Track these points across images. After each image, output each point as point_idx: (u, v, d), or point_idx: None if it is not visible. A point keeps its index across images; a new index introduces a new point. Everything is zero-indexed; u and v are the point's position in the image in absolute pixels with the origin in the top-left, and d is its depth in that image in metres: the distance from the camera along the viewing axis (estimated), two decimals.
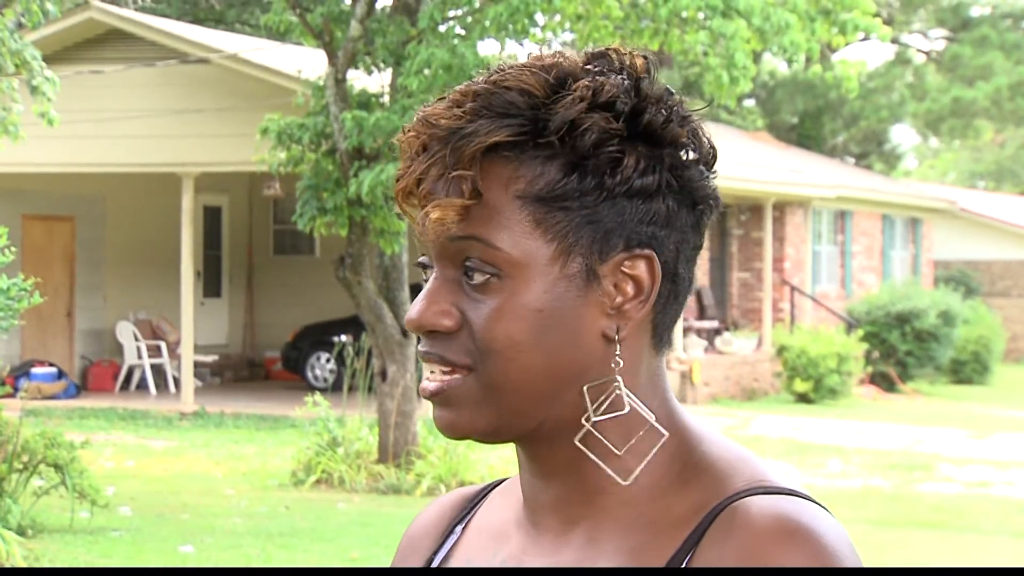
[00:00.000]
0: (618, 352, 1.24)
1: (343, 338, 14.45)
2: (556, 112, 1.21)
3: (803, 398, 20.80)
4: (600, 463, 1.24)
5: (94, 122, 17.23)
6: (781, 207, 23.25)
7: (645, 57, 1.26)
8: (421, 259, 1.27)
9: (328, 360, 19.61)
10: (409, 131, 1.24)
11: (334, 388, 18.22)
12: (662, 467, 1.24)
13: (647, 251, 1.23)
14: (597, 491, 1.25)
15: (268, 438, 15.41)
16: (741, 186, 20.84)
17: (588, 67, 1.25)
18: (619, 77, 1.24)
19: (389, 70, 12.10)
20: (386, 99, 12.05)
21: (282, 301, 21.99)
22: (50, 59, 13.07)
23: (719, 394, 20.45)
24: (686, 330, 20.52)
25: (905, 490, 12.80)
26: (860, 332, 22.20)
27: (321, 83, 12.17)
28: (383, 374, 12.04)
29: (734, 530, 1.18)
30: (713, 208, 1.28)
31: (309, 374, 19.90)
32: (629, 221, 1.23)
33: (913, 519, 11.21)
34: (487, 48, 11.67)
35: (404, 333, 11.98)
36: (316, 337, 19.86)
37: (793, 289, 23.41)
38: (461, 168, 1.21)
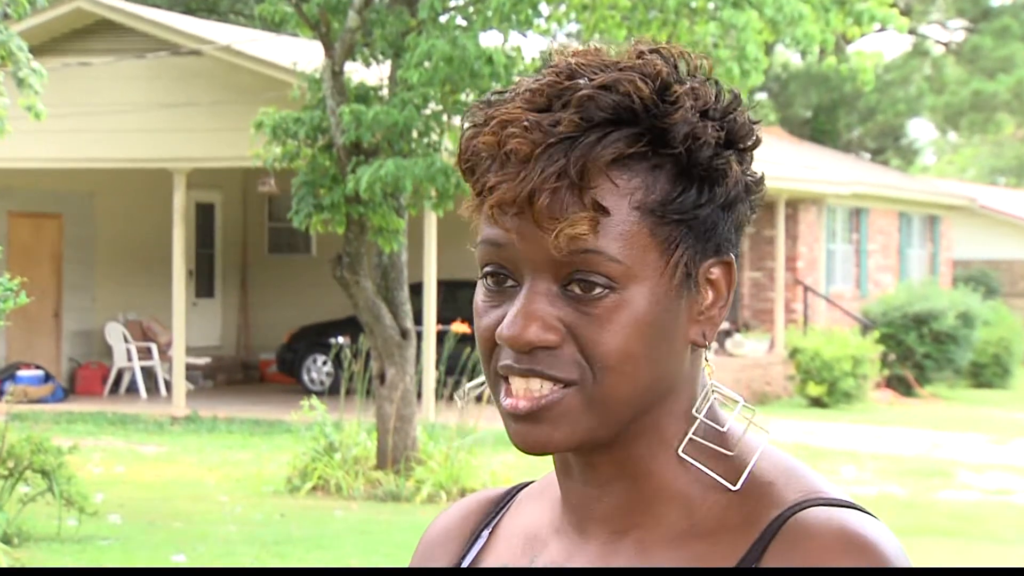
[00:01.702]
0: (707, 358, 1.28)
1: (340, 340, 14.45)
2: (676, 122, 1.22)
3: (817, 402, 20.80)
4: (705, 469, 1.26)
5: (82, 116, 17.24)
6: (794, 204, 23.25)
7: (707, 57, 1.28)
8: (488, 268, 1.25)
9: (325, 362, 19.61)
10: (509, 129, 1.21)
11: (331, 391, 18.22)
12: (721, 476, 1.27)
13: (730, 257, 1.26)
14: (656, 500, 1.26)
15: (263, 443, 15.41)
16: None
17: (667, 68, 1.25)
18: (702, 80, 1.26)
19: (388, 62, 12.10)
20: (385, 92, 12.05)
21: (277, 301, 22.00)
22: (37, 51, 13.05)
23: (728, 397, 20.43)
24: None
25: (922, 497, 12.79)
26: (876, 334, 22.19)
27: (318, 76, 12.17)
28: (382, 377, 12.04)
29: (798, 543, 1.20)
30: (757, 208, 1.31)
31: (305, 377, 19.91)
32: (724, 229, 1.26)
33: (930, 527, 11.21)
34: (490, 39, 11.67)
35: (403, 335, 11.98)
36: (312, 339, 19.86)
37: (806, 289, 23.40)
38: (586, 182, 1.20)
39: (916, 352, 23.19)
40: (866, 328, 22.73)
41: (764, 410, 20.05)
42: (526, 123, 1.21)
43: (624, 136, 1.21)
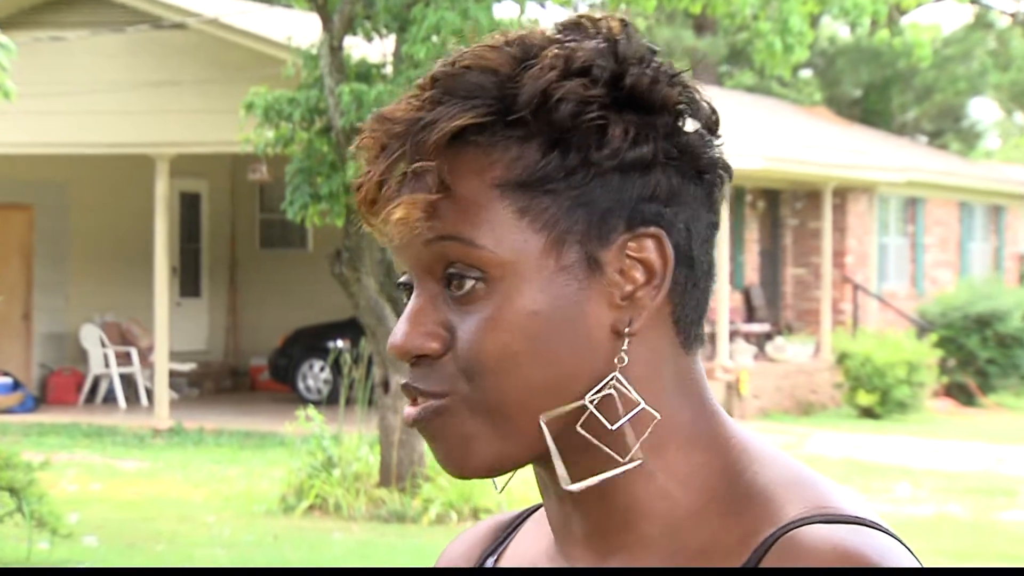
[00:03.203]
0: (624, 347, 1.23)
1: (339, 343, 14.47)
2: (522, 86, 1.21)
3: (868, 412, 20.77)
4: (558, 462, 1.23)
5: (55, 96, 17.28)
6: (842, 193, 23.22)
7: (622, 20, 1.26)
8: (402, 279, 1.27)
9: (322, 369, 19.63)
10: (364, 133, 1.25)
11: (329, 401, 18.24)
12: (708, 491, 1.24)
13: (653, 228, 1.23)
14: (637, 517, 1.25)
15: (254, 458, 15.44)
16: (796, 169, 20.81)
17: (558, 37, 1.25)
18: (593, 42, 1.24)
19: (392, 36, 12.11)
20: (388, 70, 12.07)
21: (270, 301, 22.04)
22: (5, 24, 13.12)
23: (770, 407, 20.43)
24: (732, 334, 20.52)
25: (984, 518, 12.77)
26: (934, 337, 22.15)
27: (314, 52, 12.18)
28: (385, 385, 12.06)
29: (786, 565, 1.18)
30: (724, 179, 1.27)
31: (301, 385, 19.94)
32: (627, 199, 1.22)
33: (993, 552, 11.19)
34: (504, 10, 11.67)
35: None
36: (309, 342, 19.88)
37: (856, 287, 23.37)
38: (424, 160, 1.21)
39: (978, 357, 23.14)
40: (923, 330, 22.69)
41: (809, 421, 20.04)
42: (382, 116, 1.24)
43: (465, 109, 1.21)
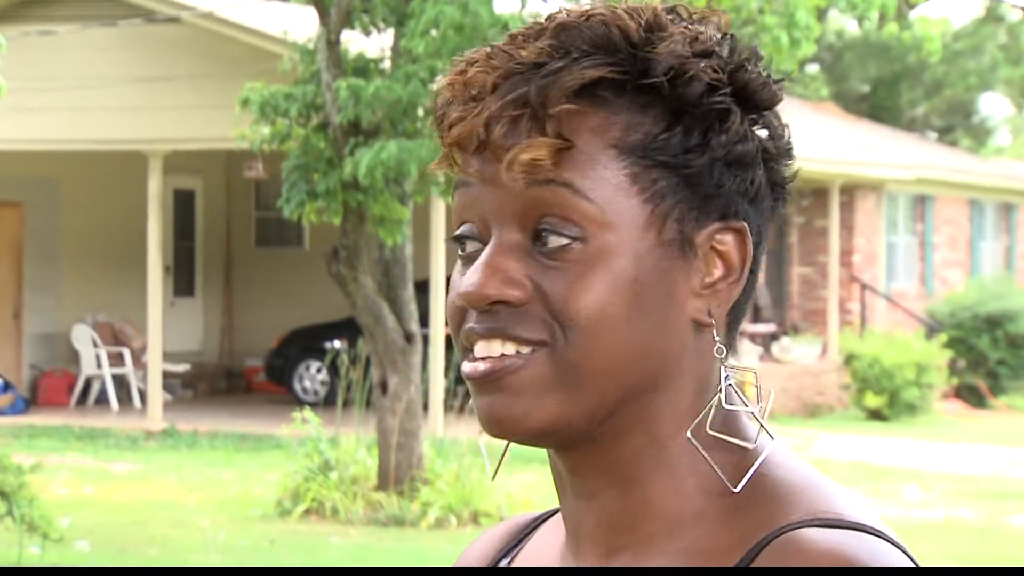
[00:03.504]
0: (717, 337, 1.25)
1: (337, 344, 14.48)
2: (659, 55, 1.22)
3: (876, 415, 20.77)
4: (714, 466, 1.25)
5: (46, 92, 17.29)
6: (850, 191, 23.22)
7: (726, 11, 1.30)
8: (461, 230, 1.26)
9: (319, 370, 19.64)
10: (475, 64, 1.24)
11: (326, 402, 18.25)
12: (718, 491, 1.25)
13: (741, 223, 1.25)
14: (644, 516, 1.26)
15: (249, 461, 15.45)
16: (802, 165, 20.80)
17: (671, 17, 1.27)
18: (711, 31, 1.27)
19: (391, 31, 12.11)
20: (387, 64, 12.07)
21: (266, 301, 22.05)
22: None
23: (776, 409, 20.44)
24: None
25: (995, 522, 12.77)
26: (943, 337, 22.15)
27: (311, 46, 12.19)
28: (383, 386, 12.06)
29: (776, 566, 1.19)
30: (787, 197, 1.30)
31: (297, 386, 19.94)
32: (727, 190, 1.25)
33: (1003, 557, 11.20)
34: (505, 5, 11.68)
35: (408, 338, 12.01)
36: (305, 343, 19.89)
37: (864, 287, 23.37)
38: (551, 111, 1.20)
39: (989, 358, 23.15)
40: (932, 331, 22.69)
41: (816, 423, 20.04)
42: (490, 54, 1.23)
43: (597, 63, 1.21)
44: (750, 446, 1.26)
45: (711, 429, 1.25)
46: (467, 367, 1.23)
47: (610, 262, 1.21)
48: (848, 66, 34.61)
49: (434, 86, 1.34)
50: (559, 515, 1.38)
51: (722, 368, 1.25)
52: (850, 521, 1.22)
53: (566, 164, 1.21)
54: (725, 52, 1.25)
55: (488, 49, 1.24)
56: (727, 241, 1.25)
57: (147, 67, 17.45)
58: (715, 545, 1.23)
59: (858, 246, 23.44)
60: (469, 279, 1.22)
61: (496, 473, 1.33)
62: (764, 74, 1.26)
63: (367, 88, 11.25)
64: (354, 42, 12.51)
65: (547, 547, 1.37)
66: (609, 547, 1.27)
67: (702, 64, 1.23)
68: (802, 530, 1.20)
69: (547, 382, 1.22)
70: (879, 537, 1.21)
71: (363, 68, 11.96)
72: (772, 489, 1.25)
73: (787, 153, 1.29)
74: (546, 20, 1.25)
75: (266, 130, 12.12)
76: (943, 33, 30.61)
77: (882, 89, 34.90)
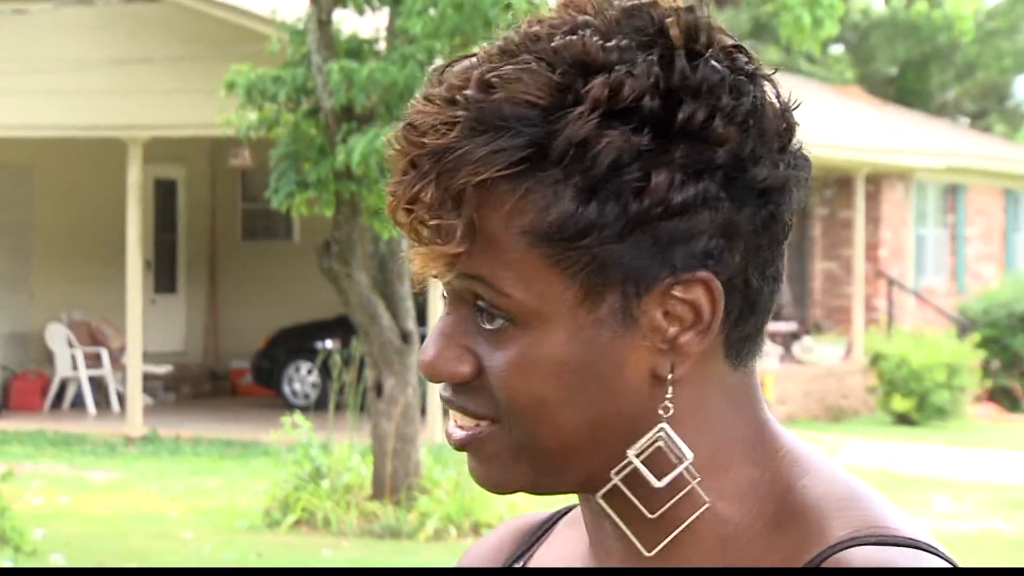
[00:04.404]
0: (669, 395, 1.25)
1: (328, 344, 14.50)
2: (560, 131, 1.22)
3: (904, 419, 20.78)
4: (622, 526, 1.27)
5: (17, 75, 17.30)
6: (876, 180, 23.22)
7: (690, 15, 1.25)
8: (442, 291, 1.30)
9: (310, 371, 19.65)
10: (395, 146, 1.27)
11: (317, 406, 18.27)
12: (754, 508, 1.27)
13: (701, 273, 1.24)
14: (681, 535, 1.27)
15: (235, 468, 15.46)
16: (825, 154, 20.81)
17: (611, 43, 1.24)
18: (648, 60, 1.23)
19: (386, 9, 12.11)
20: (382, 46, 12.08)
21: (252, 298, 22.06)
22: None
23: (798, 413, 20.44)
24: None
25: None
26: (976, 337, 22.15)
27: (301, 26, 12.19)
28: (378, 389, 12.07)
29: None
30: (793, 195, 1.28)
31: (286, 389, 19.95)
32: (672, 244, 1.23)
33: None
34: None
35: (404, 337, 12.02)
36: (295, 343, 19.90)
37: (891, 283, 23.38)
38: (454, 203, 1.23)
39: None
40: (964, 330, 22.69)
41: (839, 429, 20.04)
42: (410, 136, 1.25)
43: (495, 151, 1.22)
44: (649, 516, 1.27)
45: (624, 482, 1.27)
46: (448, 431, 1.30)
47: (541, 346, 1.23)
48: (874, 47, 34.60)
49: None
50: (575, 514, 1.40)
51: (663, 431, 1.25)
52: (902, 536, 1.23)
53: (481, 257, 1.23)
54: (658, 93, 1.22)
55: (408, 120, 1.26)
56: (690, 292, 1.24)
57: (126, 48, 17.45)
58: (758, 562, 1.25)
59: (885, 239, 23.44)
60: (426, 350, 1.27)
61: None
62: (707, 110, 1.22)
63: (361, 71, 11.26)
64: (347, 22, 12.51)
65: (566, 547, 1.38)
66: (641, 562, 1.29)
67: (614, 133, 1.21)
68: (857, 548, 1.21)
69: (511, 454, 1.27)
70: (933, 554, 1.23)
71: (356, 49, 11.97)
72: (815, 503, 1.26)
73: (776, 158, 1.25)
74: (468, 74, 1.25)
75: (253, 116, 12.12)
76: (976, 11, 30.59)
77: (911, 71, 34.88)
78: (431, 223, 1.23)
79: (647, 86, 1.22)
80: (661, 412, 1.25)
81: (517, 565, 1.42)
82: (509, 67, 1.24)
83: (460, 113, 1.23)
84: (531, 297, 1.23)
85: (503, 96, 1.22)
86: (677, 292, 1.24)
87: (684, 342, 1.25)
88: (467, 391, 1.26)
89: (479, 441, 1.27)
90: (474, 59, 1.27)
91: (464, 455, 1.30)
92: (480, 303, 1.24)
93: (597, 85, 1.22)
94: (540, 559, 1.41)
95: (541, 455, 1.26)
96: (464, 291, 1.25)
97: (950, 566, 1.23)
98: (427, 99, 1.26)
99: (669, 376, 1.24)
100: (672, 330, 1.24)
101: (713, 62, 1.24)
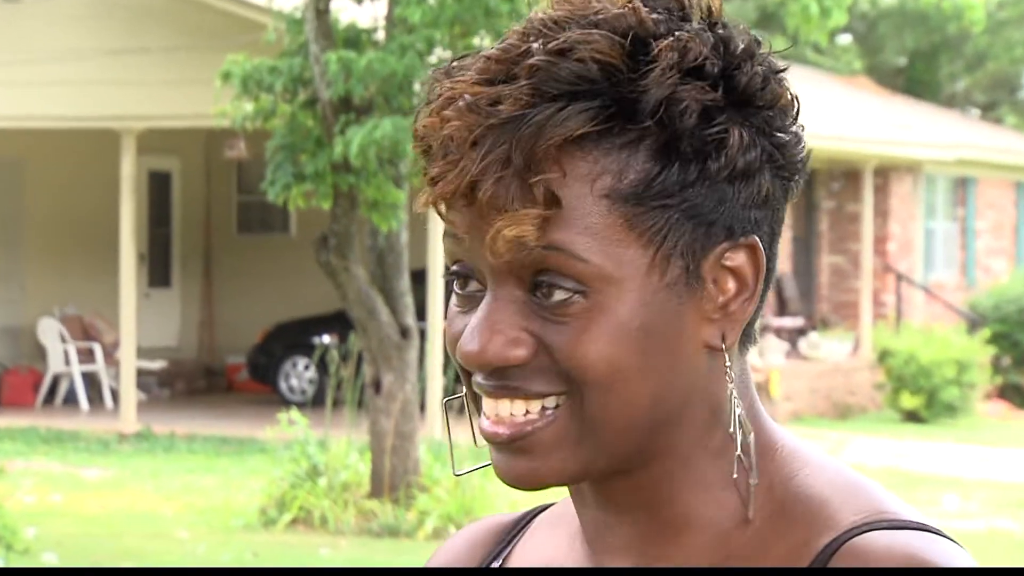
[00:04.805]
0: (728, 364, 1.27)
1: (326, 339, 14.51)
2: (646, 89, 1.23)
3: (912, 416, 20.78)
4: (747, 497, 1.28)
5: (8, 65, 17.30)
6: (884, 173, 23.21)
7: None
8: (455, 268, 1.28)
9: (307, 367, 19.66)
10: (450, 119, 1.25)
11: (314, 403, 18.26)
12: (758, 497, 1.28)
13: (751, 239, 1.27)
14: (684, 527, 1.29)
15: (231, 466, 15.47)
16: (833, 146, 20.81)
17: (655, 16, 1.26)
18: (698, 29, 1.26)
19: None
20: (380, 35, 12.08)
21: (248, 292, 22.06)
22: None
23: (804, 410, 20.45)
24: (762, 330, 20.52)
25: None
26: (986, 332, 22.16)
27: (298, 15, 12.19)
28: (377, 385, 12.07)
29: (855, 567, 1.23)
30: (804, 177, 1.32)
31: (283, 385, 19.96)
32: (732, 207, 1.26)
33: None
34: None
35: (403, 333, 12.02)
36: (292, 338, 19.90)
37: (899, 277, 23.38)
38: (535, 169, 1.22)
39: None
40: (974, 325, 22.70)
41: (846, 426, 20.05)
42: (464, 101, 1.24)
43: (580, 111, 1.22)
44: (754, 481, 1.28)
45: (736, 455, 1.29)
46: (486, 428, 1.27)
47: (614, 313, 1.24)
48: (883, 37, 34.59)
49: (417, 113, 1.34)
50: (554, 513, 1.41)
51: (733, 397, 1.28)
52: (910, 521, 1.26)
53: (556, 225, 1.23)
54: (719, 57, 1.26)
55: (464, 88, 1.24)
56: (737, 259, 1.27)
57: (119, 38, 17.45)
58: (764, 552, 1.27)
59: (893, 233, 23.44)
60: (469, 341, 1.25)
61: (466, 471, 1.37)
62: (763, 69, 1.27)
63: (359, 61, 11.26)
64: (345, 11, 12.51)
65: (549, 548, 1.39)
66: (644, 559, 1.30)
67: (692, 90, 1.24)
68: (874, 532, 1.24)
69: (571, 439, 1.25)
70: (944, 538, 1.26)
71: (355, 39, 11.97)
72: (819, 492, 1.28)
73: (796, 144, 1.29)
74: (524, 40, 1.26)
75: (249, 106, 12.12)
76: (986, 1, 30.56)
77: (920, 62, 34.87)
78: (515, 191, 1.22)
79: (708, 47, 1.25)
80: (728, 381, 1.27)
81: (495, 565, 1.41)
82: (576, 34, 1.25)
83: (529, 80, 1.23)
84: (609, 262, 1.23)
85: (577, 58, 1.23)
86: (731, 256, 1.26)
87: (733, 309, 1.27)
88: (525, 373, 1.25)
89: (538, 430, 1.25)
90: (514, 39, 1.26)
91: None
92: (543, 277, 1.23)
93: (665, 47, 1.24)
94: (520, 559, 1.40)
95: (608, 430, 1.25)
96: (524, 266, 1.24)
97: (964, 550, 1.26)
98: (461, 58, 1.27)
99: (723, 344, 1.27)
100: (722, 297, 1.27)
101: (744, 26, 1.29)
